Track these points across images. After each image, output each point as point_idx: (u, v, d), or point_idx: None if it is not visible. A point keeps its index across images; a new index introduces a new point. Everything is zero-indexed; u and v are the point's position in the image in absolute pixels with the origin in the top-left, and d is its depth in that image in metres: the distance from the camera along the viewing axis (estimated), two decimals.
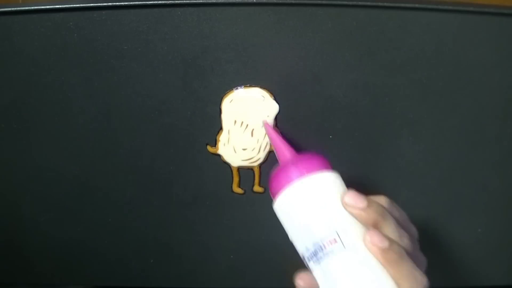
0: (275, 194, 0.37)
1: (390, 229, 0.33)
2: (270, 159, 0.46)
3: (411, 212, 0.50)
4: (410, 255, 0.33)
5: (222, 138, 0.46)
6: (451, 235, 0.51)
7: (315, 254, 0.33)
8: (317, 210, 0.34)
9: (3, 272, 0.54)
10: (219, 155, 0.46)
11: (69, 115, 0.46)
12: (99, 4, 0.42)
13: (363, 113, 0.46)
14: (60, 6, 0.42)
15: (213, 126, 0.45)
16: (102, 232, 0.51)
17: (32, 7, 0.42)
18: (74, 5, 0.42)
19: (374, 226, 0.33)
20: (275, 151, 0.41)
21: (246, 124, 0.45)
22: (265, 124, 0.44)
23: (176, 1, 0.41)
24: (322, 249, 0.33)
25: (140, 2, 0.42)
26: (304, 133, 0.46)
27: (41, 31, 0.43)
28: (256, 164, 0.46)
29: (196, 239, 0.51)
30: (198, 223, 0.50)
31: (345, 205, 0.34)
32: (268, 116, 0.45)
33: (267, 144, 0.46)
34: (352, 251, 0.33)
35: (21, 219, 0.51)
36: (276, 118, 0.45)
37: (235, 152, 0.46)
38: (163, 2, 0.41)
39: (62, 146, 0.47)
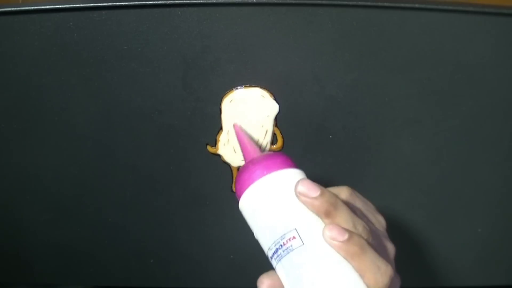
0: (239, 194, 0.37)
1: (343, 218, 0.32)
2: None
3: (411, 212, 0.50)
4: (373, 245, 0.33)
5: (222, 138, 0.46)
6: (451, 235, 0.51)
7: (276, 252, 0.33)
8: (277, 208, 0.34)
9: (3, 272, 0.54)
10: (219, 155, 0.46)
11: (69, 115, 0.46)
12: (99, 4, 0.42)
13: (363, 113, 0.46)
14: (60, 6, 0.42)
15: (213, 126, 0.45)
16: (102, 232, 0.51)
17: (32, 7, 0.42)
18: (74, 5, 0.42)
19: (326, 215, 0.33)
20: (242, 151, 0.41)
21: (246, 124, 0.45)
22: (234, 125, 0.44)
23: (176, 1, 0.41)
24: (282, 247, 0.32)
25: (140, 2, 0.42)
26: (304, 133, 0.46)
27: (41, 31, 0.43)
28: None
29: (196, 239, 0.51)
30: (198, 223, 0.50)
31: (298, 194, 0.33)
32: (268, 116, 0.45)
33: (267, 144, 0.46)
34: (312, 246, 0.32)
35: (20, 219, 0.51)
36: (276, 118, 0.45)
37: (235, 152, 0.46)
38: (163, 2, 0.41)
39: (62, 146, 0.47)
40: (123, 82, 0.44)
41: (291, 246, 0.32)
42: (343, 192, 0.36)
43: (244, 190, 0.36)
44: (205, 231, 0.50)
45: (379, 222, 0.38)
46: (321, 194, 0.33)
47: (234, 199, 0.48)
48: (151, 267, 0.52)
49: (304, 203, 0.33)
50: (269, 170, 0.35)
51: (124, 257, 0.52)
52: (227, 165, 0.47)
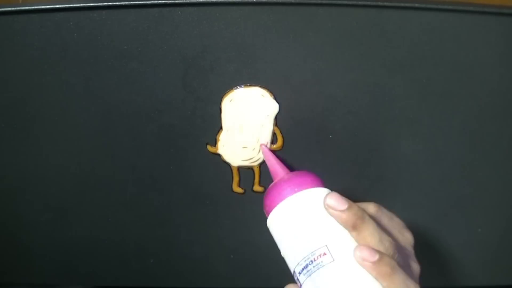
0: (268, 211, 0.38)
1: (369, 232, 0.34)
2: None
3: (411, 212, 0.50)
4: (399, 263, 0.33)
5: (222, 137, 0.46)
6: (451, 235, 0.51)
7: (305, 267, 0.34)
8: (307, 225, 0.35)
9: (3, 272, 0.54)
10: (219, 155, 0.46)
11: (69, 115, 0.46)
12: (99, 4, 0.42)
13: (363, 113, 0.46)
14: (60, 6, 0.42)
15: (213, 126, 0.45)
16: (102, 232, 0.51)
17: (32, 7, 0.42)
18: (74, 5, 0.42)
19: (353, 228, 0.34)
20: (270, 170, 0.42)
21: (246, 123, 0.45)
22: (261, 146, 0.45)
23: (176, 1, 0.41)
24: (312, 262, 0.33)
25: (140, 2, 0.42)
26: (304, 133, 0.46)
27: (41, 31, 0.43)
28: (256, 163, 0.46)
29: (196, 239, 0.51)
30: (198, 223, 0.50)
31: (326, 207, 0.35)
32: (268, 115, 0.45)
33: (267, 143, 0.46)
34: (342, 263, 0.33)
35: (21, 219, 0.51)
36: (276, 118, 0.45)
37: (235, 151, 0.46)
38: (163, 2, 0.41)
39: (62, 146, 0.47)
40: (123, 82, 0.44)
41: (322, 262, 0.33)
42: (370, 207, 0.37)
43: (273, 207, 0.37)
44: (205, 231, 0.50)
45: (406, 239, 0.38)
46: (349, 208, 0.34)
47: (234, 199, 0.48)
48: (151, 267, 0.52)
49: (332, 215, 0.34)
50: (300, 188, 0.37)
51: (124, 257, 0.52)
52: (227, 164, 0.47)
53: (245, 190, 0.48)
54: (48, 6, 0.42)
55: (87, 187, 0.49)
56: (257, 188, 0.48)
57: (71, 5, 0.42)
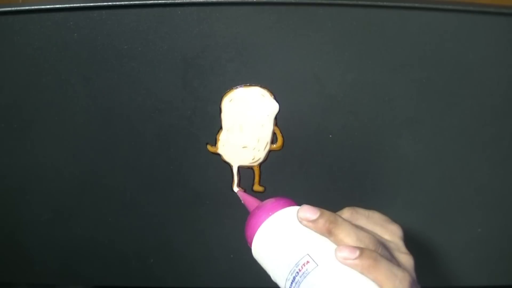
0: (250, 242, 0.39)
1: (346, 233, 0.34)
2: (270, 158, 0.46)
3: (411, 212, 0.50)
4: (384, 255, 0.34)
5: (222, 137, 0.46)
6: (451, 235, 0.51)
7: (293, 280, 0.34)
8: (287, 240, 0.36)
9: (3, 272, 0.54)
10: (219, 155, 0.46)
11: (69, 115, 0.46)
12: (99, 4, 0.42)
13: (363, 112, 0.46)
14: (60, 6, 0.42)
15: (213, 125, 0.46)
16: (102, 232, 0.51)
17: (32, 7, 0.42)
18: (74, 5, 0.42)
19: (329, 233, 0.34)
20: (248, 209, 0.43)
21: (246, 123, 0.45)
22: (238, 192, 0.47)
23: (176, 1, 0.42)
24: (298, 273, 0.34)
25: (140, 2, 0.42)
26: (304, 132, 0.46)
27: (41, 31, 0.43)
28: (256, 163, 0.46)
29: (196, 239, 0.51)
30: (198, 222, 0.50)
31: (300, 220, 0.36)
32: (268, 115, 0.45)
33: (267, 143, 0.46)
34: (326, 266, 0.33)
35: (21, 219, 0.51)
36: (276, 118, 0.45)
37: (235, 151, 0.46)
38: (163, 1, 0.42)
39: (62, 145, 0.47)
40: (123, 82, 0.44)
41: (307, 270, 0.33)
42: (344, 212, 0.38)
43: (253, 236, 0.38)
44: (205, 231, 0.50)
45: (391, 231, 0.38)
46: (321, 215, 0.35)
47: (234, 199, 0.48)
48: (151, 267, 0.52)
49: (307, 226, 0.35)
50: (273, 211, 0.38)
51: (124, 257, 0.52)
52: (227, 164, 0.47)
53: (245, 190, 0.48)
54: (48, 6, 0.42)
55: (87, 187, 0.49)
56: (257, 188, 0.48)
57: (71, 5, 0.42)
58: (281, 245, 0.36)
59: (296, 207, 0.38)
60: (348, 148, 0.47)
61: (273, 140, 0.46)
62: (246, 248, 0.51)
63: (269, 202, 0.39)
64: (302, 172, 0.47)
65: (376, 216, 0.39)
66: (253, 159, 0.46)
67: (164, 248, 0.51)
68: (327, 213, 0.35)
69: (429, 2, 0.43)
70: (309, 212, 0.35)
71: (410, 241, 0.51)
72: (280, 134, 0.46)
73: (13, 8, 0.42)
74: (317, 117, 0.46)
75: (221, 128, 0.45)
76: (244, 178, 0.47)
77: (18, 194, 0.49)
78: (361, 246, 0.33)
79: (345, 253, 0.32)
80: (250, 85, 0.44)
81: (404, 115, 0.46)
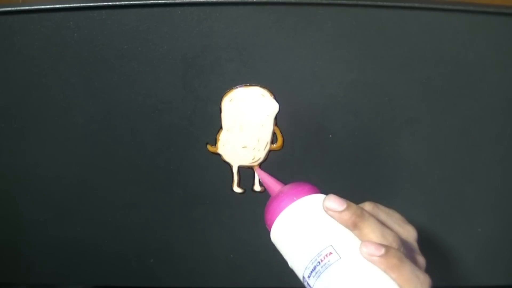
0: (270, 225, 0.38)
1: (371, 229, 0.34)
2: (270, 158, 0.46)
3: (411, 212, 0.50)
4: (407, 256, 0.33)
5: (222, 137, 0.46)
6: (451, 235, 0.51)
7: (314, 269, 0.34)
8: (310, 229, 0.36)
9: (3, 272, 0.54)
10: (219, 154, 0.46)
11: (69, 115, 0.46)
12: (99, 4, 0.42)
13: (363, 112, 0.46)
14: (60, 6, 0.42)
15: (213, 125, 0.46)
16: (102, 232, 0.51)
17: (32, 7, 0.42)
18: (74, 5, 0.42)
19: (354, 227, 0.34)
20: (266, 188, 0.42)
21: (246, 123, 0.45)
22: (256, 169, 0.46)
23: (176, 1, 0.42)
24: (320, 263, 0.33)
25: (140, 2, 0.42)
26: (304, 132, 0.46)
27: (41, 31, 0.43)
28: (256, 163, 0.46)
29: (196, 239, 0.51)
30: (198, 222, 0.50)
31: (326, 209, 0.35)
32: (268, 115, 0.45)
33: (267, 143, 0.46)
34: (349, 260, 0.33)
35: (21, 219, 0.51)
36: (276, 117, 0.45)
37: (235, 151, 0.46)
38: (163, 1, 0.42)
39: (62, 146, 0.47)
40: (123, 82, 0.44)
41: (329, 261, 0.33)
42: (366, 206, 0.38)
43: (274, 219, 0.37)
44: (205, 230, 0.50)
45: (408, 232, 0.38)
46: (348, 207, 0.34)
47: (234, 199, 0.48)
48: (151, 267, 0.52)
49: (332, 217, 0.35)
50: (298, 196, 0.37)
51: (124, 257, 0.52)
52: (227, 164, 0.47)
53: (245, 190, 0.48)
54: (48, 6, 0.42)
55: (87, 187, 0.49)
56: (257, 188, 0.48)
57: (71, 5, 0.42)
58: (303, 233, 0.36)
59: (321, 195, 0.37)
60: (348, 148, 0.47)
61: (273, 140, 0.46)
62: (246, 248, 0.51)
63: (293, 186, 0.39)
64: (302, 172, 0.47)
65: (396, 215, 0.39)
66: (253, 159, 0.46)
67: (164, 248, 0.51)
68: (354, 206, 0.35)
69: (429, 2, 0.43)
70: (335, 202, 0.35)
71: None
72: (280, 134, 0.46)
73: (13, 8, 0.42)
74: (317, 117, 0.46)
75: (221, 128, 0.45)
76: (244, 178, 0.47)
77: (18, 194, 0.49)
78: (386, 243, 0.33)
79: (371, 249, 0.32)
80: (250, 85, 0.44)
81: (404, 115, 0.46)
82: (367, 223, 0.34)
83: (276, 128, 0.45)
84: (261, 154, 0.46)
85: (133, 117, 0.45)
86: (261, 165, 0.47)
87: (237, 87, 0.44)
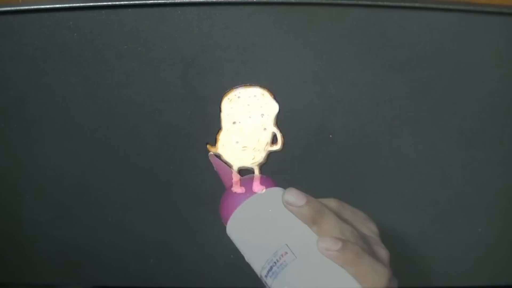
0: (226, 219, 0.37)
1: (329, 225, 0.33)
2: (270, 159, 0.46)
3: (411, 212, 0.50)
4: (366, 250, 0.33)
5: (222, 137, 0.46)
6: (451, 235, 0.51)
7: (270, 269, 0.33)
8: (265, 226, 0.35)
9: (3, 272, 0.54)
10: (219, 154, 0.46)
11: (69, 115, 0.46)
12: (99, 4, 0.42)
13: (363, 112, 0.46)
14: (60, 6, 0.42)
15: (213, 125, 0.45)
16: (102, 232, 0.51)
17: (32, 7, 0.42)
18: (74, 5, 0.42)
19: (313, 222, 0.33)
20: (221, 179, 0.42)
21: (246, 123, 0.45)
22: (210, 156, 0.44)
23: (176, 1, 0.42)
24: (276, 263, 0.33)
25: (140, 2, 0.42)
26: (304, 133, 0.46)
27: (41, 31, 0.43)
28: (256, 163, 0.46)
29: (196, 239, 0.51)
30: (198, 223, 0.50)
31: (285, 204, 0.34)
32: (267, 115, 0.45)
33: (267, 144, 0.46)
34: (305, 258, 0.33)
35: (21, 219, 0.51)
36: (276, 118, 0.45)
37: (235, 151, 0.46)
38: (163, 1, 0.42)
39: (62, 146, 0.47)
40: (123, 82, 0.44)
41: (285, 261, 0.33)
42: (331, 202, 0.37)
43: (230, 214, 0.37)
44: (205, 231, 0.50)
45: (370, 229, 0.38)
46: (308, 202, 0.34)
47: None
48: (151, 267, 0.52)
49: (291, 211, 0.34)
50: (256, 189, 0.37)
51: (124, 257, 0.52)
52: (227, 164, 0.47)
53: (245, 190, 0.48)
54: (48, 6, 0.42)
55: (87, 187, 0.49)
56: (257, 188, 0.47)
57: (71, 5, 0.42)
58: (258, 230, 0.35)
59: (280, 189, 0.37)
60: (348, 148, 0.47)
61: (273, 140, 0.46)
62: None
63: (250, 179, 0.38)
64: (302, 172, 0.47)
65: (360, 213, 0.38)
66: (253, 159, 0.46)
67: (164, 248, 0.51)
68: (314, 201, 0.34)
69: (429, 2, 0.42)
70: (295, 197, 0.34)
71: (410, 241, 0.51)
72: (280, 134, 0.46)
73: (13, 8, 0.42)
74: (317, 117, 0.46)
75: (221, 128, 0.45)
76: None
77: (18, 194, 0.49)
78: (344, 238, 0.33)
79: (328, 243, 0.32)
80: (250, 85, 0.44)
81: (404, 115, 0.46)
82: (326, 219, 0.33)
83: (276, 128, 0.45)
84: (261, 155, 0.46)
85: (133, 117, 0.45)
86: (261, 166, 0.47)
87: (237, 87, 0.44)
